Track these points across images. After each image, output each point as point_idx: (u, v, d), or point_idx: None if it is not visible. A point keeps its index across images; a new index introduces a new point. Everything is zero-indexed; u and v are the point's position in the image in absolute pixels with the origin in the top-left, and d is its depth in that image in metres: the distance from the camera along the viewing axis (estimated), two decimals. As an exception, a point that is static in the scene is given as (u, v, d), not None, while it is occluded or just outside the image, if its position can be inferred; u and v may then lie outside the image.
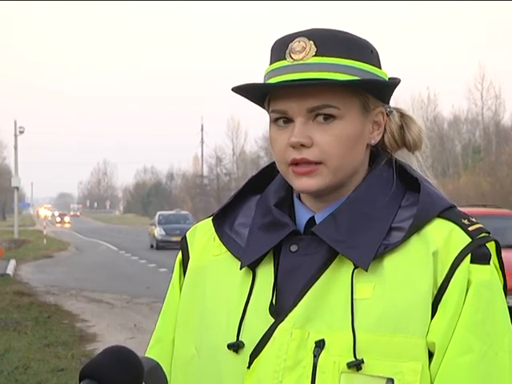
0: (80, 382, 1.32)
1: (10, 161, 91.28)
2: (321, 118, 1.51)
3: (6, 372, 8.92)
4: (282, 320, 1.49)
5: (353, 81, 1.51)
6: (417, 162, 1.62)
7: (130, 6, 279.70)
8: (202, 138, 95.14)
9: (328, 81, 1.50)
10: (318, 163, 1.51)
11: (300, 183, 1.52)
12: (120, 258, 30.76)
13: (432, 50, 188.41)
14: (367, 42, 1.58)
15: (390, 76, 1.61)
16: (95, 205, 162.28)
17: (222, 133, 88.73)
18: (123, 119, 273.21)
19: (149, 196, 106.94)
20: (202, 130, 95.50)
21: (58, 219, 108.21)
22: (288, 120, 1.53)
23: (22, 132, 51.43)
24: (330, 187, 1.53)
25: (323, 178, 1.52)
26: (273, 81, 1.54)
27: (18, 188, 50.88)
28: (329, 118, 1.51)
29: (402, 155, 1.63)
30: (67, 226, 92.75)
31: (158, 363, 1.40)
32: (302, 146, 1.50)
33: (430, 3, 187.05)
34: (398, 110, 1.63)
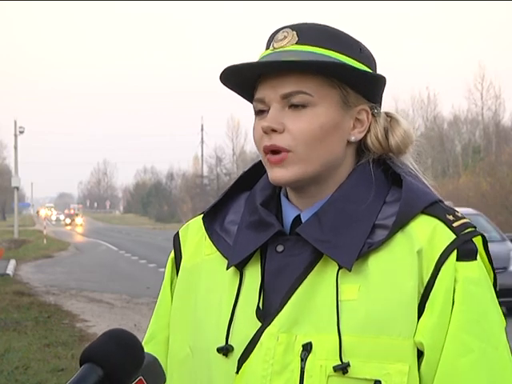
0: (81, 365, 1.30)
1: (10, 161, 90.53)
2: (294, 105, 1.51)
3: (5, 372, 8.92)
4: (269, 324, 1.48)
5: (309, 61, 1.49)
6: (411, 164, 1.59)
7: (129, 5, 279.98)
8: (202, 138, 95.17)
9: (290, 63, 1.48)
10: (288, 151, 1.50)
11: (273, 174, 1.52)
12: (120, 258, 30.74)
13: (431, 49, 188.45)
14: (357, 41, 1.57)
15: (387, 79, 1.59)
16: (95, 205, 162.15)
17: (222, 133, 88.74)
18: (123, 119, 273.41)
19: (149, 196, 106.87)
20: (202, 130, 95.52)
21: (68, 220, 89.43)
22: (266, 109, 1.53)
23: (22, 132, 51.45)
24: (303, 179, 1.52)
25: (295, 169, 1.50)
26: None
27: (18, 188, 50.88)
28: (302, 104, 1.50)
29: (397, 156, 1.59)
30: (80, 229, 72.02)
31: (156, 358, 1.39)
32: (274, 131, 1.50)
33: (429, 3, 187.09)
34: (387, 113, 1.60)
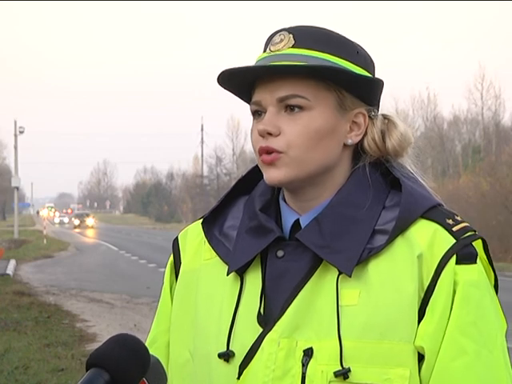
0: (87, 370, 1.31)
1: (10, 161, 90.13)
2: (290, 108, 1.51)
3: (6, 372, 8.92)
4: (270, 330, 1.48)
5: (304, 66, 1.49)
6: (409, 167, 1.58)
7: (130, 5, 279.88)
8: (202, 138, 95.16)
9: (283, 66, 1.49)
10: (280, 152, 1.50)
11: (267, 174, 1.52)
12: (120, 258, 30.75)
13: (432, 49, 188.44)
14: (354, 43, 1.57)
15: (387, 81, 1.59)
16: (95, 205, 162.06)
17: (222, 133, 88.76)
18: (123, 119, 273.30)
19: (149, 196, 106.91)
20: (202, 130, 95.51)
21: (77, 222, 76.81)
22: (263, 111, 1.53)
23: (22, 132, 51.43)
24: (297, 180, 1.52)
25: (288, 170, 1.50)
26: None
27: (18, 188, 50.85)
28: (298, 108, 1.51)
29: (395, 159, 1.59)
30: (91, 232, 63.81)
31: (158, 359, 1.40)
32: (270, 134, 1.51)
33: (429, 3, 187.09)
34: (385, 115, 1.59)
